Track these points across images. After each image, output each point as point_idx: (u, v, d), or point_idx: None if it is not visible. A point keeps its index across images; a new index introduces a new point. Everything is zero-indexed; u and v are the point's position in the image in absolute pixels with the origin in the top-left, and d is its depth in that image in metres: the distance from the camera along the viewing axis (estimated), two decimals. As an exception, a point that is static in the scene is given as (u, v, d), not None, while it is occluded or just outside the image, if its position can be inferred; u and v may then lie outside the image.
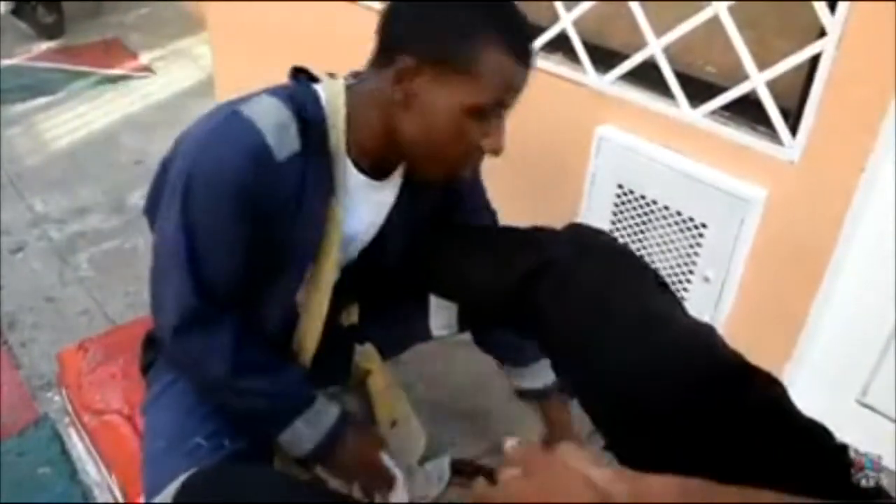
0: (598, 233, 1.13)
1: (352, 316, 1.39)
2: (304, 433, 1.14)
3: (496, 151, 1.08)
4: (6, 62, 3.94)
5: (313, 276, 1.15)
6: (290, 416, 1.14)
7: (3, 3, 4.06)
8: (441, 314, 1.37)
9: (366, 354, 1.38)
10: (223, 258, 1.04)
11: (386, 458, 1.23)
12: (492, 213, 1.41)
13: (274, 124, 1.00)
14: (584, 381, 0.96)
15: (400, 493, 1.22)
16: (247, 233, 1.03)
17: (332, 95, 1.07)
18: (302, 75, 1.11)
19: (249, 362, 1.11)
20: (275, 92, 1.06)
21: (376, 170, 1.13)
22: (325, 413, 1.17)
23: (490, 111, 1.03)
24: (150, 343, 1.33)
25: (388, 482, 1.22)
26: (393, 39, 1.02)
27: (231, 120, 1.01)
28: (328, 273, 1.15)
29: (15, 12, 4.13)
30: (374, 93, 1.04)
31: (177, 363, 1.19)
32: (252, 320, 1.13)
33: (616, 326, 0.92)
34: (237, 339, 1.09)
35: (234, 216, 1.01)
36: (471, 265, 1.15)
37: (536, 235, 1.11)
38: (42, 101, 3.48)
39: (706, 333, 0.93)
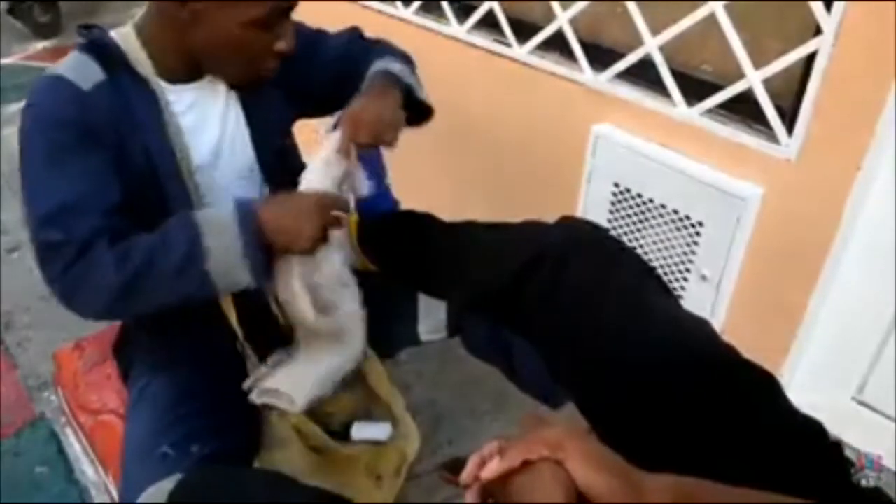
0: (590, 225, 1.12)
1: None
2: (221, 244, 1.07)
3: (288, 52, 1.18)
4: (3, 61, 3.94)
5: (192, 198, 1.21)
6: (196, 247, 1.06)
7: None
8: (430, 318, 1.36)
9: None
10: (69, 187, 1.07)
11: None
12: (355, 39, 1.45)
13: (70, 67, 1.13)
14: (577, 376, 0.96)
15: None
16: (88, 160, 1.09)
17: (121, 33, 1.19)
18: (93, 30, 1.20)
19: (131, 257, 1.06)
20: (74, 49, 1.18)
21: (188, 79, 1.22)
22: (216, 213, 1.11)
23: (272, 19, 1.13)
24: (122, 347, 1.34)
25: (338, 204, 1.16)
26: None
27: (37, 80, 1.15)
28: (197, 190, 1.22)
29: (11, 12, 4.13)
30: (164, 16, 1.14)
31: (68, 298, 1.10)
32: None
33: (609, 319, 0.91)
34: (111, 254, 1.05)
35: (64, 146, 1.08)
36: (464, 261, 1.14)
37: (529, 229, 1.11)
38: (38, 100, 3.47)
39: (700, 326, 0.93)
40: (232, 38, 1.13)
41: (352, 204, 1.25)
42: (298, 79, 1.33)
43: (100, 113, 1.12)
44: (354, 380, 1.38)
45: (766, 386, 0.84)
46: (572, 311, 0.93)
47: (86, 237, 1.04)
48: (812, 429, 0.80)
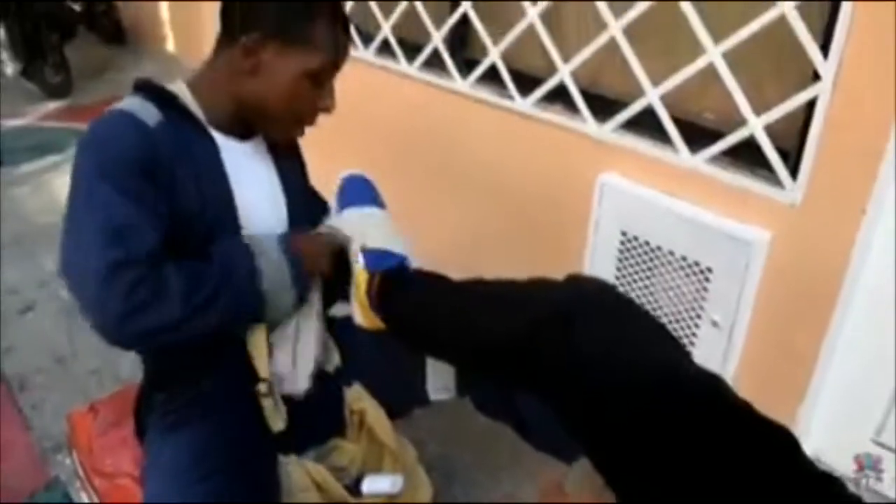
0: (599, 283, 1.13)
1: (334, 359, 1.39)
2: (273, 269, 1.17)
3: (328, 109, 1.28)
4: (15, 122, 4.01)
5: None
6: (250, 279, 1.15)
7: (11, 64, 4.14)
8: (439, 377, 1.36)
9: (355, 395, 1.37)
10: (132, 211, 1.09)
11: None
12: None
13: (134, 106, 1.18)
14: (591, 432, 0.95)
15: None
16: (147, 192, 1.12)
17: (174, 86, 1.26)
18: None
19: (189, 283, 1.09)
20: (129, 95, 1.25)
21: (237, 134, 1.29)
22: (266, 242, 1.20)
23: (324, 75, 1.24)
24: (138, 409, 1.34)
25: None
26: (239, 21, 1.21)
27: (100, 117, 1.18)
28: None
29: (24, 73, 4.21)
30: (222, 68, 1.23)
31: (123, 334, 1.08)
32: None
33: (621, 377, 0.91)
34: (172, 275, 1.08)
35: (128, 175, 1.11)
36: (470, 321, 1.14)
37: (536, 289, 1.11)
38: (51, 159, 3.53)
39: (714, 383, 0.92)
40: (286, 90, 1.21)
41: (361, 261, 1.27)
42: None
43: (163, 149, 1.16)
44: (361, 432, 1.38)
45: (783, 442, 0.83)
46: (584, 369, 0.93)
47: (150, 257, 1.07)
48: (831, 486, 0.80)
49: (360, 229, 1.31)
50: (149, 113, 1.18)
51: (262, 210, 1.31)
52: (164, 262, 1.09)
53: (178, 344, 1.14)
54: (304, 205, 1.42)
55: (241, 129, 1.29)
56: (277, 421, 1.24)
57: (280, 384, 1.26)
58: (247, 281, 1.14)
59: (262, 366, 1.26)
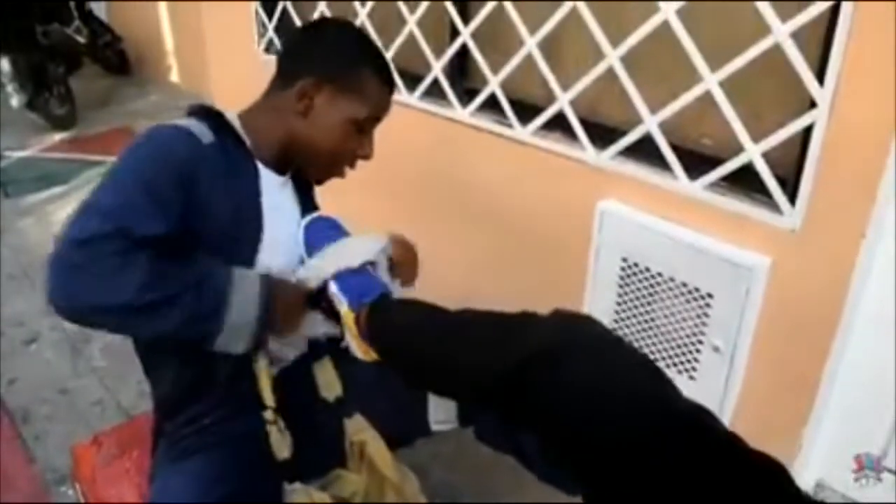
0: (583, 319, 1.13)
1: (335, 389, 1.39)
2: (242, 304, 1.12)
3: (367, 156, 1.37)
4: (20, 154, 4.05)
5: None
6: (218, 300, 1.10)
7: (16, 96, 4.18)
8: (441, 408, 1.36)
9: (356, 425, 1.37)
10: (154, 214, 1.08)
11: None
12: None
13: (191, 124, 1.23)
14: (580, 470, 0.96)
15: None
16: (174, 200, 1.12)
17: (228, 113, 1.30)
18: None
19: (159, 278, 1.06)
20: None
21: (276, 168, 1.34)
22: (248, 282, 1.15)
23: (367, 124, 1.33)
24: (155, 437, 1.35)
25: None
26: (297, 64, 1.30)
27: (154, 127, 1.21)
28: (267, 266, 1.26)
29: (29, 105, 4.25)
30: (276, 106, 1.31)
31: (73, 289, 1.04)
32: None
33: (609, 416, 0.91)
34: (144, 264, 1.05)
35: (167, 178, 1.12)
36: (457, 358, 1.14)
37: (522, 323, 1.11)
38: (55, 191, 3.56)
39: (702, 416, 0.93)
40: (332, 134, 1.30)
41: (344, 301, 1.26)
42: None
43: (211, 166, 1.19)
44: (362, 463, 1.38)
45: (774, 475, 0.83)
46: (571, 405, 0.93)
47: (132, 238, 1.04)
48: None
49: (334, 262, 1.27)
50: (203, 132, 1.22)
51: (282, 245, 1.32)
52: (147, 250, 1.06)
53: (118, 331, 1.14)
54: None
55: (283, 166, 1.35)
56: (283, 449, 1.24)
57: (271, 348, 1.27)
58: (211, 308, 1.10)
59: (267, 394, 1.27)
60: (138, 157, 1.15)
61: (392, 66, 1.37)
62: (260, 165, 1.30)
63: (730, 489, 0.80)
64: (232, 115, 1.30)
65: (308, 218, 1.37)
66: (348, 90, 1.28)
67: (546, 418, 0.96)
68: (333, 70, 1.28)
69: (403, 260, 1.37)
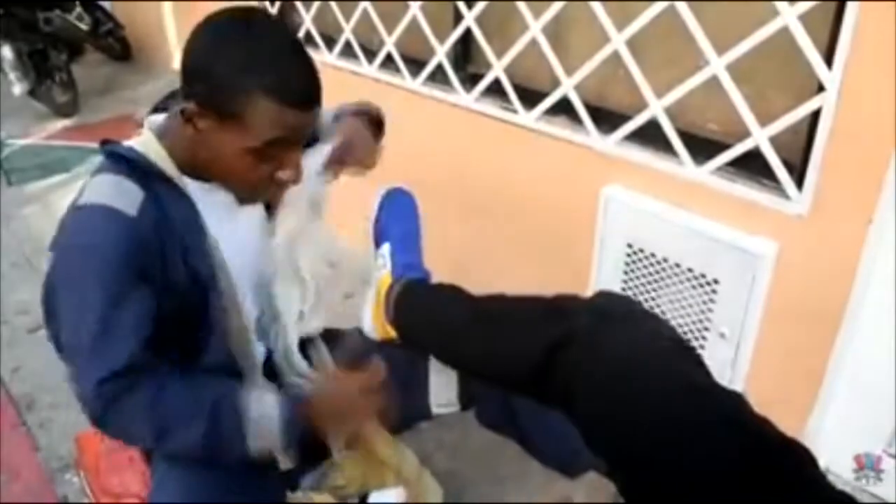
0: (623, 300, 1.13)
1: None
2: (264, 445, 1.14)
3: (291, 180, 1.17)
4: (23, 142, 4.04)
5: (226, 304, 1.23)
6: (238, 427, 1.12)
7: (19, 84, 4.16)
8: (441, 391, 1.36)
9: None
10: (129, 325, 1.09)
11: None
12: None
13: (111, 194, 1.11)
14: (616, 454, 0.95)
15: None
16: (134, 292, 1.10)
17: (140, 141, 1.19)
18: (107, 144, 1.20)
19: (171, 415, 1.11)
20: (98, 170, 1.17)
21: (210, 179, 1.21)
22: (262, 400, 1.16)
23: (271, 151, 1.11)
24: None
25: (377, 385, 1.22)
26: (184, 80, 1.12)
27: (76, 214, 1.13)
28: (233, 296, 1.24)
29: (31, 93, 4.24)
30: (179, 125, 1.14)
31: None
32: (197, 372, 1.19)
33: (647, 398, 0.91)
34: (156, 397, 1.10)
35: (125, 282, 1.09)
36: (492, 338, 1.14)
37: (559, 305, 1.11)
38: (58, 178, 3.55)
39: (735, 399, 0.92)
40: (228, 163, 1.13)
41: (388, 265, 1.26)
42: None
43: (148, 237, 1.12)
44: (360, 449, 1.38)
45: (801, 460, 0.83)
46: (607, 390, 0.93)
47: (130, 367, 1.08)
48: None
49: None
50: (128, 196, 1.12)
51: (249, 255, 1.30)
52: (150, 372, 1.10)
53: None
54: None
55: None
56: (286, 459, 1.24)
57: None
58: (235, 440, 1.13)
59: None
60: (85, 273, 1.09)
61: (297, 75, 1.11)
62: (194, 185, 1.19)
63: (764, 472, 0.80)
64: (147, 136, 1.19)
65: (385, 190, 1.42)
66: (231, 118, 1.08)
67: (582, 399, 0.96)
68: (214, 95, 1.08)
69: (354, 140, 1.34)
